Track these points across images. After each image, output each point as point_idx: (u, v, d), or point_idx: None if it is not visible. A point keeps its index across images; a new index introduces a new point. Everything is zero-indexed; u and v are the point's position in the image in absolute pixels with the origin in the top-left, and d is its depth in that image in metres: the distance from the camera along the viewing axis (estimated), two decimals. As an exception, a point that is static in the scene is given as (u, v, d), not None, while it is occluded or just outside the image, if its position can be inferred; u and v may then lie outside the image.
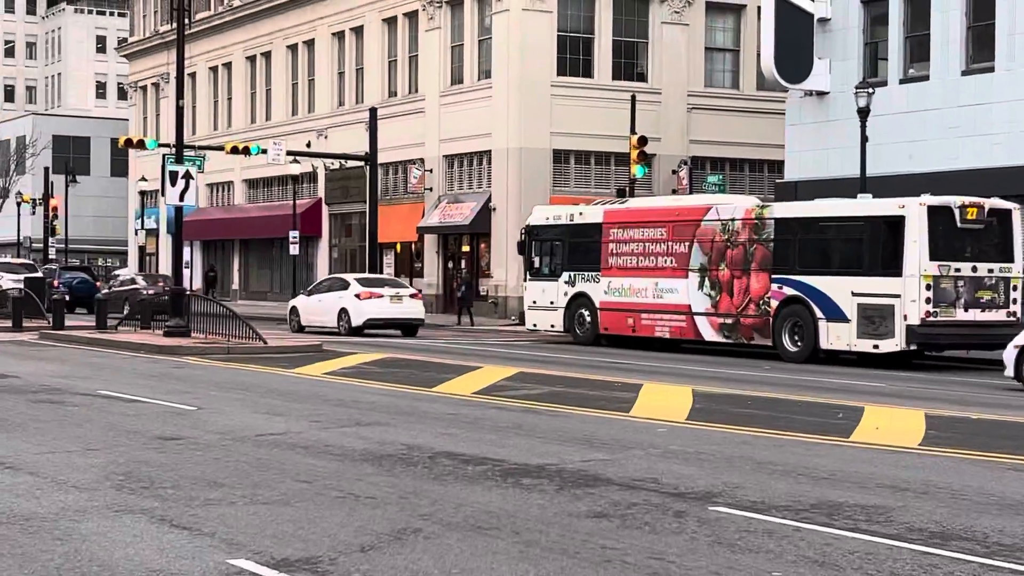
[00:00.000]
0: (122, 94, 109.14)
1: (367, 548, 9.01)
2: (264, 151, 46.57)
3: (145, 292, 43.56)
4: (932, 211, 27.12)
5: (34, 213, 75.01)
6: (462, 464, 12.82)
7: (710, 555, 8.96)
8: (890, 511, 10.61)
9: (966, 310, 27.33)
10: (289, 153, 48.28)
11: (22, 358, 26.95)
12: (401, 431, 15.30)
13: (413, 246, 52.76)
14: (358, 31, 56.38)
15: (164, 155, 35.99)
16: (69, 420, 16.18)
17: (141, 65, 74.68)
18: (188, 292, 33.64)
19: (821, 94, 38.01)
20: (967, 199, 27.79)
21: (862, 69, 36.86)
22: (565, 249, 35.20)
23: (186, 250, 56.43)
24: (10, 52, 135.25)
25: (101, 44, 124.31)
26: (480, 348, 31.86)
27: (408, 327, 37.59)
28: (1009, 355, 23.07)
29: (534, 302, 36.15)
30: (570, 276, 34.90)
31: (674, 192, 47.53)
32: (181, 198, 30.89)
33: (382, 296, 37.01)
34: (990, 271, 27.65)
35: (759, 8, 40.40)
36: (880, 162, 34.34)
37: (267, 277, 64.01)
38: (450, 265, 50.98)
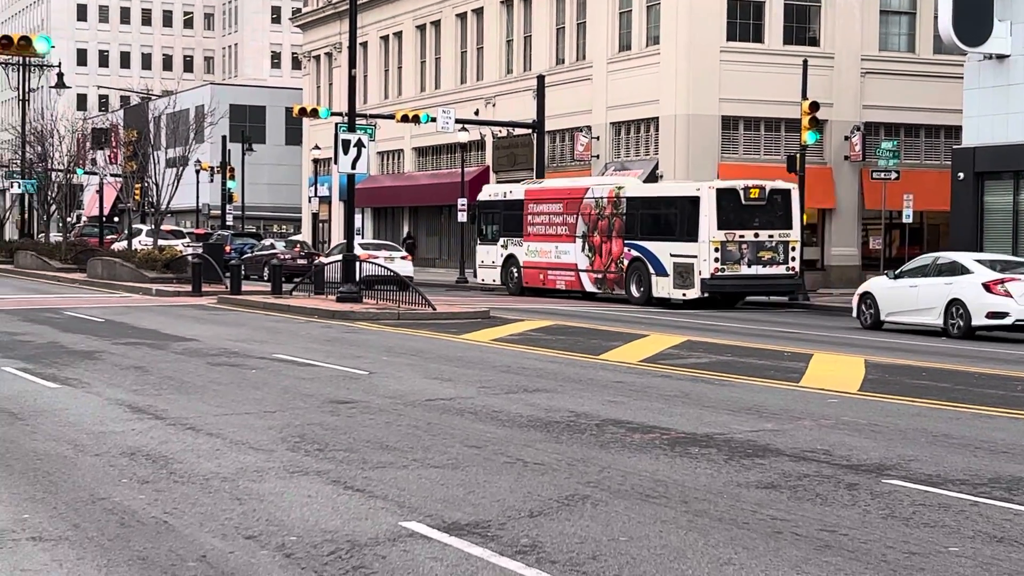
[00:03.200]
0: (296, 64, 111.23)
1: (536, 514, 9.09)
2: (433, 119, 47.06)
3: (281, 257, 46.37)
4: (720, 192, 34.78)
5: (212, 181, 77.11)
6: (629, 432, 12.82)
7: (883, 529, 8.82)
8: (1072, 488, 10.29)
9: (749, 266, 34.86)
10: (458, 121, 48.62)
11: (202, 322, 27.79)
12: (568, 398, 15.37)
13: (580, 213, 52.86)
14: (526, -2, 56.40)
15: (337, 124, 36.63)
16: (247, 383, 16.64)
17: (314, 35, 75.97)
18: (359, 259, 34.22)
19: (1001, 57, 36.75)
20: (751, 182, 35.52)
21: (1046, 30, 35.46)
22: (502, 219, 43.02)
23: (357, 217, 57.43)
24: (189, 23, 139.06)
25: (276, 15, 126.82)
26: (646, 316, 31.76)
27: (400, 283, 42.19)
28: (854, 301, 29.08)
29: (482, 262, 44.45)
30: (504, 241, 42.79)
31: (846, 159, 46.66)
32: (353, 166, 31.39)
33: (378, 258, 42.65)
34: (770, 236, 34.99)
35: (937, -31, 39.22)
36: (1064, 127, 33.09)
37: (435, 244, 64.71)
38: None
